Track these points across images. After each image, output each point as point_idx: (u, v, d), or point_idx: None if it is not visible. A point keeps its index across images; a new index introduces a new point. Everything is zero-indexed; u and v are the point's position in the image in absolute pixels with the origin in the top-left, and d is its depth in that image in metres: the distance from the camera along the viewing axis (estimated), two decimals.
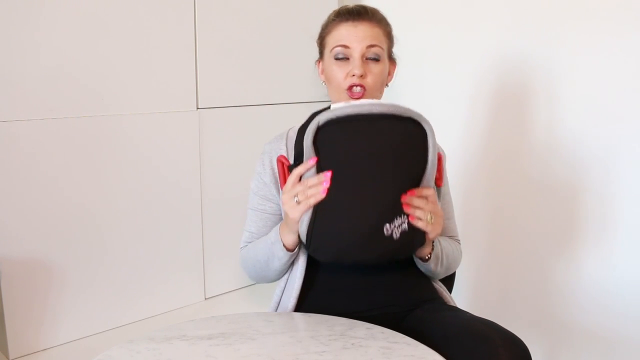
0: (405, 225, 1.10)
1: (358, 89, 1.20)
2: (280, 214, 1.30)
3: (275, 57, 2.09)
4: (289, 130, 1.33)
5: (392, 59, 1.29)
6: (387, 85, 1.30)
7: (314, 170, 1.10)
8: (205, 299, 2.02)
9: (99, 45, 1.65)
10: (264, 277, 1.31)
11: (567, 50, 1.78)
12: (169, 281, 1.90)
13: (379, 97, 1.27)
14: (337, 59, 1.22)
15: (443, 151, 1.36)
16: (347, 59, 1.21)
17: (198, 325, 1.10)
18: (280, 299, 1.29)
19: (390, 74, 1.30)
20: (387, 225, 1.09)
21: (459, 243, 1.39)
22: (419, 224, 1.11)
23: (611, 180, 1.73)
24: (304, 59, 2.12)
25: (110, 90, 1.69)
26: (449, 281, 1.44)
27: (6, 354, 1.58)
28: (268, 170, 1.28)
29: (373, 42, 1.20)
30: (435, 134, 1.12)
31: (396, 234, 1.10)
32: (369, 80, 1.21)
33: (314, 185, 1.09)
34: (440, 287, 1.34)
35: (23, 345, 1.60)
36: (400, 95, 2.21)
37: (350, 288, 1.25)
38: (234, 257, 2.03)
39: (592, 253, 1.80)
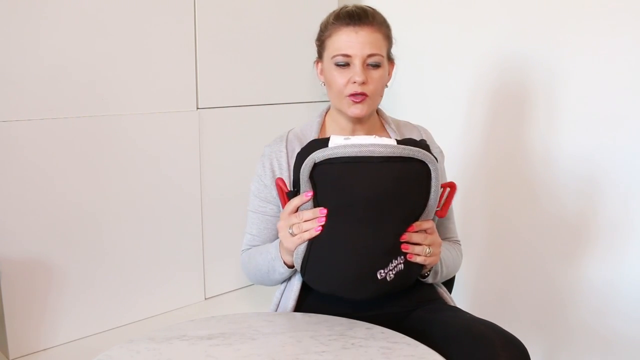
0: (401, 266, 1.09)
1: (359, 96, 1.20)
2: None
3: (275, 57, 2.09)
4: (289, 132, 1.33)
5: (390, 60, 1.29)
6: (386, 85, 1.30)
7: (311, 202, 1.09)
8: (205, 299, 2.02)
9: (99, 45, 1.65)
10: (265, 284, 1.32)
11: (566, 51, 1.78)
12: (169, 281, 1.90)
13: (379, 101, 1.27)
14: (337, 65, 1.21)
15: (442, 151, 1.36)
16: (348, 65, 1.21)
17: (198, 325, 1.10)
18: (280, 300, 1.29)
19: (389, 74, 1.30)
20: (381, 271, 1.07)
21: (459, 244, 1.39)
22: (417, 260, 1.10)
23: (610, 180, 1.73)
24: (303, 59, 2.12)
25: (110, 90, 1.69)
26: (448, 282, 1.44)
27: (6, 354, 1.58)
28: (268, 172, 1.28)
29: (374, 51, 1.20)
30: (439, 167, 1.09)
31: (390, 276, 1.08)
32: (370, 87, 1.21)
33: (309, 220, 1.09)
34: (441, 288, 1.34)
35: (23, 345, 1.60)
36: (400, 95, 2.21)
37: None
38: (234, 257, 2.03)
39: (592, 253, 1.80)
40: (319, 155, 1.05)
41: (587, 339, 1.82)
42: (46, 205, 1.60)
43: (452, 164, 1.45)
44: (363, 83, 1.19)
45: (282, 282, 1.29)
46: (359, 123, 1.28)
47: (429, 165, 1.07)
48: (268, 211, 1.30)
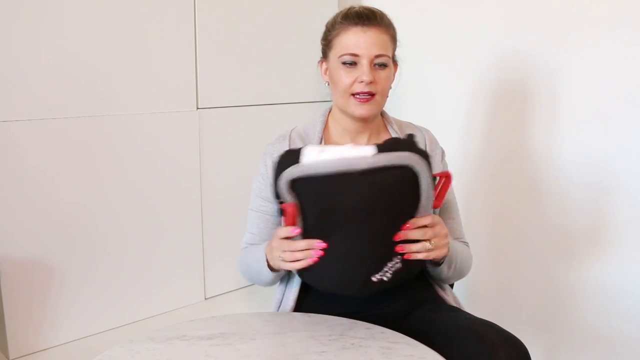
0: (398, 265, 1.05)
1: (366, 95, 1.20)
2: None
3: (275, 57, 2.09)
4: (292, 130, 1.33)
5: (394, 62, 1.29)
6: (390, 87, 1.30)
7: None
8: (205, 299, 2.02)
9: (99, 45, 1.65)
10: (258, 283, 1.32)
11: (568, 50, 1.77)
12: (169, 281, 1.90)
13: (384, 102, 1.26)
14: (344, 64, 1.21)
15: (442, 149, 1.36)
16: (355, 64, 1.21)
17: (198, 325, 1.10)
18: (281, 301, 1.29)
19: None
20: (376, 275, 1.04)
21: (468, 245, 1.39)
22: (418, 257, 1.07)
23: (612, 180, 1.73)
24: (304, 58, 2.12)
25: (110, 90, 1.69)
26: None
27: (6, 354, 1.58)
28: (270, 171, 1.28)
29: (381, 52, 1.20)
30: (430, 166, 1.04)
31: (387, 276, 1.05)
32: (378, 87, 1.21)
33: (303, 250, 1.07)
34: (441, 288, 1.34)
35: (23, 345, 1.60)
36: (401, 96, 2.21)
37: None
38: (234, 257, 2.02)
39: (593, 253, 1.80)
40: (293, 172, 1.01)
41: (587, 339, 1.82)
42: (46, 205, 1.60)
43: (454, 164, 1.45)
44: (371, 82, 1.19)
45: (272, 284, 1.29)
46: (363, 123, 1.28)
47: (414, 169, 1.01)
48: (269, 210, 1.30)
